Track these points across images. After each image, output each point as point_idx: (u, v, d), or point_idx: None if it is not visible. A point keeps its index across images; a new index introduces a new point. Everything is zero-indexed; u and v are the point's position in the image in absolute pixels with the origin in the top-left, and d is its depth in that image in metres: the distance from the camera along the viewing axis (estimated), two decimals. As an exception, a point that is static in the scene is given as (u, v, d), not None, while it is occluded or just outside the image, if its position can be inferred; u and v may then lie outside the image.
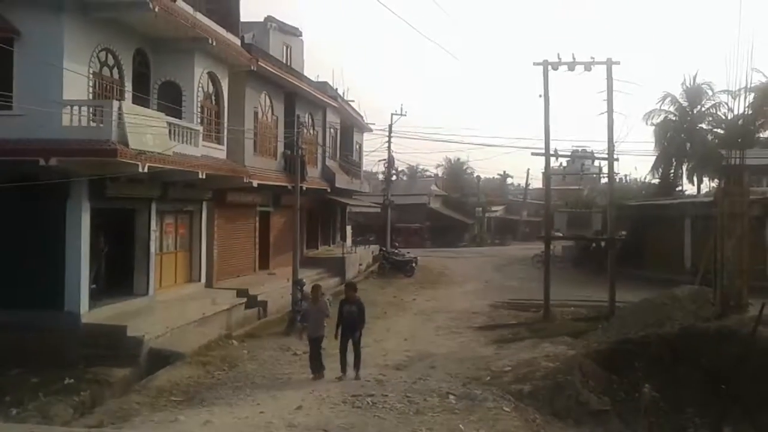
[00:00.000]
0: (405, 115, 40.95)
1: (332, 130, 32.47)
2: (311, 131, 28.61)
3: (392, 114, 40.78)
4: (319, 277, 24.96)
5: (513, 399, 9.21)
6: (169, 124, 16.08)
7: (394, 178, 49.05)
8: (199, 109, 18.51)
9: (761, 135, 41.99)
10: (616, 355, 11.65)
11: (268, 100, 24.08)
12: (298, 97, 26.38)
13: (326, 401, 9.38)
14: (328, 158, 31.58)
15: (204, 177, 17.23)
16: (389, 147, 41.44)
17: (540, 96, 21.01)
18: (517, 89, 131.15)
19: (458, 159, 71.43)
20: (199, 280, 19.87)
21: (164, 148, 15.13)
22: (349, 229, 38.77)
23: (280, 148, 24.79)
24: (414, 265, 31.65)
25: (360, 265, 31.24)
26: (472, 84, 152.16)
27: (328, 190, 30.31)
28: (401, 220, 51.33)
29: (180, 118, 17.22)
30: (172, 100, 17.55)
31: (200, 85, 18.66)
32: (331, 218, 34.65)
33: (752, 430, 6.70)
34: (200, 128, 17.98)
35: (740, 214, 14.25)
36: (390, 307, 21.83)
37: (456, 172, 71.37)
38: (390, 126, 40.58)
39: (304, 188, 23.78)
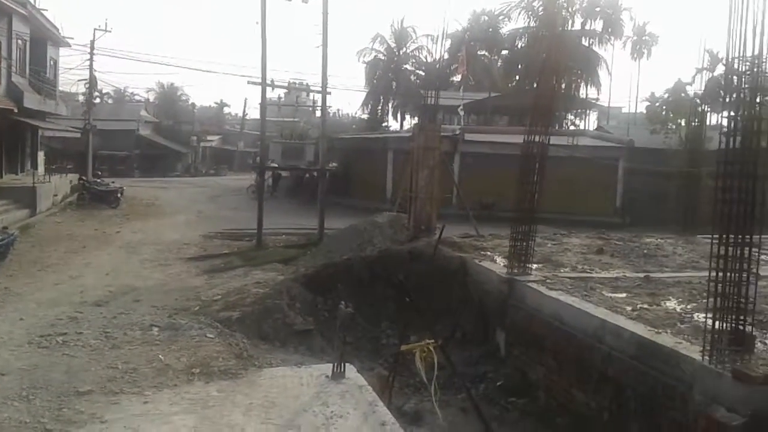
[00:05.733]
0: (110, 32, 38.09)
1: (20, 41, 28.04)
2: (-9, 40, 24.36)
3: (95, 29, 37.63)
4: (4, 209, 21.84)
5: (221, 326, 9.15)
6: None
7: (97, 100, 45.20)
8: None
9: (455, 79, 47.08)
10: (321, 278, 12.30)
11: (-71, -4, 19.75)
12: (-29, -3, 22.11)
13: (7, 344, 8.29)
14: (15, 74, 27.30)
15: None
16: (91, 66, 38.34)
17: (257, 23, 20.63)
18: (237, 14, 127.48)
19: (172, 84, 67.73)
20: None
21: None
22: (41, 155, 34.55)
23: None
24: (119, 195, 29.49)
25: (55, 195, 28.08)
26: (188, 5, 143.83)
27: (15, 111, 26.33)
28: (106, 147, 47.41)
29: None
30: None
31: None
32: (18, 143, 30.29)
33: (430, 336, 7.55)
34: None
35: (432, 149, 15.77)
36: (90, 241, 20.08)
37: (169, 97, 67.54)
38: (92, 42, 37.50)
39: (-18, 106, 20.31)
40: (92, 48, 37.66)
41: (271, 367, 7.20)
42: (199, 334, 7.99)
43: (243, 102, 68.74)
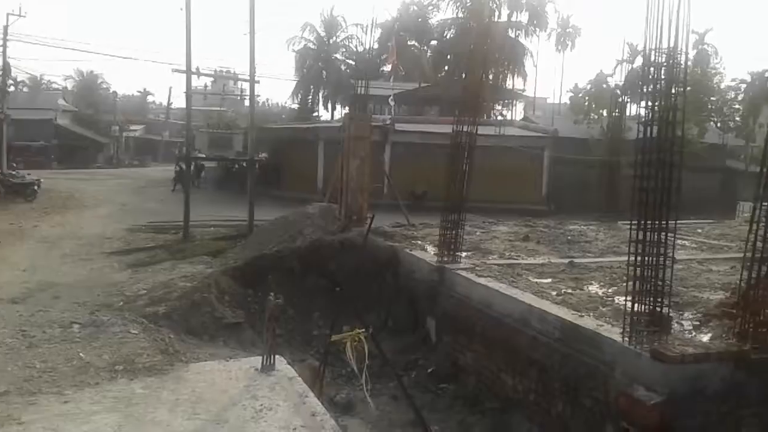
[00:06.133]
0: (24, 17, 36.43)
1: None
2: None
3: (8, 14, 35.99)
4: None
5: (146, 321, 8.87)
6: None
7: (11, 88, 43.03)
8: None
9: (385, 69, 47.18)
10: (251, 270, 12.11)
11: None
12: None
13: None
14: None
15: None
16: (4, 52, 36.68)
17: (182, 9, 20.05)
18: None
19: (92, 72, 65.14)
20: None
21: None
22: (-50, 147, 32.75)
23: None
24: (36, 188, 28.15)
25: (-35, 189, 26.62)
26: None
27: None
28: (21, 137, 45.16)
29: None
30: None
31: None
32: (-77, 132, 28.57)
33: (360, 325, 7.55)
34: None
35: (363, 138, 15.73)
36: (5, 236, 19.07)
37: (89, 86, 64.91)
38: (5, 27, 35.89)
39: None
40: (5, 34, 36.03)
41: (198, 362, 7.04)
42: (123, 331, 7.72)
43: (168, 90, 66.77)
